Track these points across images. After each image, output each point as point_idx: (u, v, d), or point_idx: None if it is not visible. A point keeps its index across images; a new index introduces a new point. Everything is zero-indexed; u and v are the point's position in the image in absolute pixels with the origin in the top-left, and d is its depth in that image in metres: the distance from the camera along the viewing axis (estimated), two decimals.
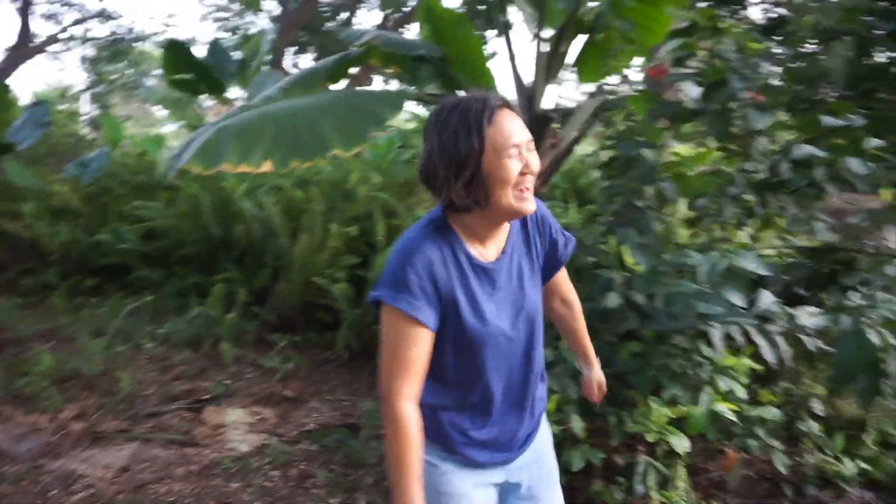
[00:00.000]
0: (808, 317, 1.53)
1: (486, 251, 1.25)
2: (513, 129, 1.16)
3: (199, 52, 8.65)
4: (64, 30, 14.52)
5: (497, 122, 1.15)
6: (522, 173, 1.16)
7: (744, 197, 2.24)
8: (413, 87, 3.80)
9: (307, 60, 17.27)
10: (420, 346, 1.17)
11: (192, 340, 4.10)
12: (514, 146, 1.15)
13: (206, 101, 8.34)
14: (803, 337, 1.68)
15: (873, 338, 1.45)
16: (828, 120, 2.31)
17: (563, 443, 2.06)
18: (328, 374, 3.75)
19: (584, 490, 2.18)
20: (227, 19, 17.68)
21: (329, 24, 15.32)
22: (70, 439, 2.88)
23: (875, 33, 1.97)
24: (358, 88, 2.59)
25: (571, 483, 2.20)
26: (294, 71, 16.69)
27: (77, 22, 14.59)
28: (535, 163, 1.19)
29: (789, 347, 1.60)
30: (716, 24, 2.04)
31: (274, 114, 2.32)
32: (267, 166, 2.19)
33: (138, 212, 5.48)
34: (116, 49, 13.53)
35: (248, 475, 2.65)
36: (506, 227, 1.27)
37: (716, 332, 1.86)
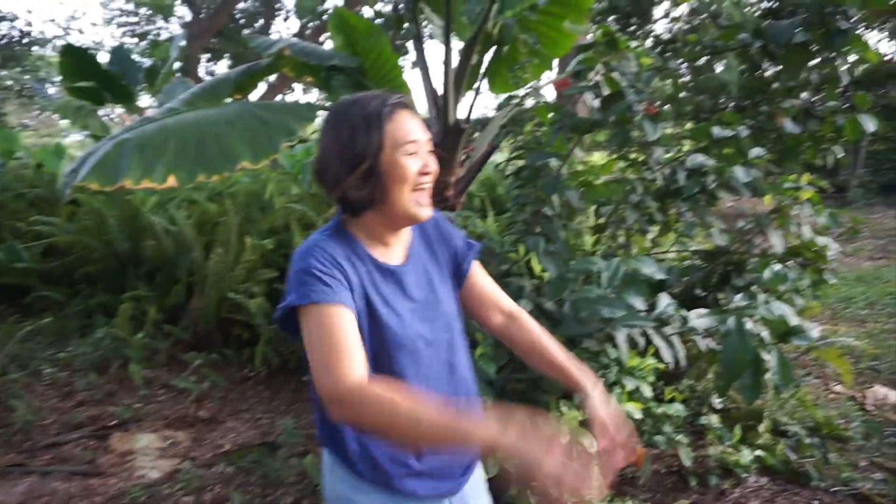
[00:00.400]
0: (698, 318, 1.63)
1: (390, 254, 1.20)
2: (412, 127, 1.14)
3: (105, 58, 8.24)
4: None
5: (396, 120, 1.12)
6: (422, 173, 1.13)
7: (645, 204, 2.35)
8: (328, 98, 3.78)
9: (222, 68, 16.78)
10: (345, 325, 1.04)
11: (97, 363, 3.87)
12: (413, 143, 1.12)
13: (114, 110, 7.96)
14: (696, 337, 1.80)
15: (757, 336, 1.56)
16: (717, 131, 2.48)
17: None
18: (246, 393, 3.64)
19: (501, 496, 2.22)
20: (134, 24, 16.91)
21: (245, 32, 14.95)
22: None
23: (750, 50, 2.13)
24: (267, 101, 2.54)
25: (491, 484, 2.24)
26: (207, 78, 16.16)
27: None
28: (434, 164, 1.16)
29: (684, 348, 1.69)
30: (613, 39, 2.15)
31: (178, 126, 2.24)
32: (172, 181, 2.11)
33: (37, 228, 5.13)
34: (11, 53, 12.63)
35: (159, 503, 2.53)
36: (406, 232, 1.24)
37: (620, 335, 1.94)
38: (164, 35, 16.84)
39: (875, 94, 11.24)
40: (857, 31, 2.13)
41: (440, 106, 3.04)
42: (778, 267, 2.12)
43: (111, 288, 4.86)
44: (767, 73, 3.18)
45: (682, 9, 12.00)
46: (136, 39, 16.49)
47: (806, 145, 2.61)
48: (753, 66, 2.49)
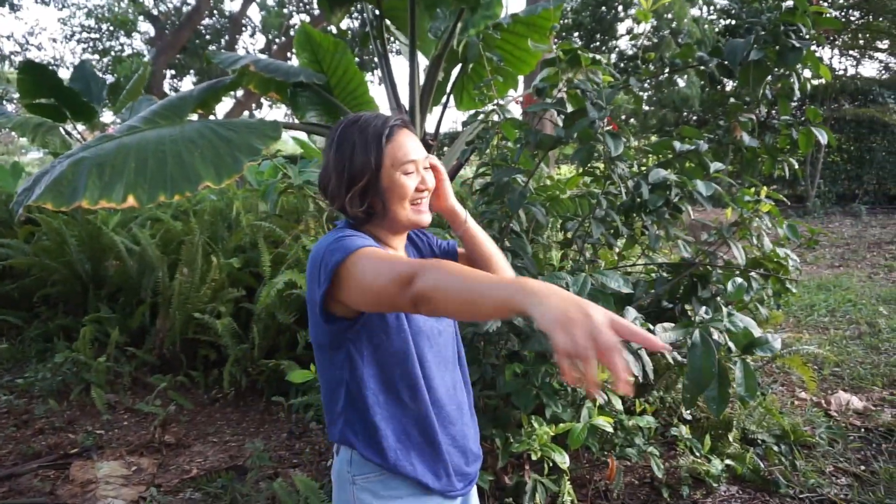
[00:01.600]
0: (663, 332, 1.65)
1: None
2: (410, 146, 1.20)
3: (67, 74, 8.05)
4: None
5: (396, 140, 1.19)
6: (418, 189, 1.21)
7: (610, 218, 2.37)
8: (294, 114, 3.76)
9: (187, 84, 16.60)
10: (384, 251, 1.12)
11: (57, 389, 3.75)
12: (412, 162, 1.19)
13: (76, 127, 7.77)
14: (664, 353, 1.81)
15: (724, 346, 1.58)
16: (679, 145, 2.53)
17: None
18: (213, 415, 3.56)
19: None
20: (96, 40, 16.63)
21: (210, 48, 14.81)
22: None
23: (707, 67, 2.18)
24: (231, 119, 2.51)
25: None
26: (172, 94, 15.96)
27: None
28: (431, 180, 1.25)
29: (651, 360, 1.71)
30: (575, 56, 2.18)
31: (138, 145, 2.19)
32: (131, 201, 2.06)
33: None
34: None
35: None
36: (403, 237, 1.32)
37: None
38: (126, 51, 16.60)
39: (828, 108, 11.66)
40: (812, 48, 2.20)
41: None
42: (739, 280, 2.16)
43: (72, 310, 4.73)
44: (727, 88, 3.27)
45: (644, 26, 12.26)
46: (97, 56, 16.21)
47: (763, 158, 2.67)
48: (713, 81, 2.56)
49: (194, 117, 3.41)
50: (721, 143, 2.68)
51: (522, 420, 2.15)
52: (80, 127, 7.54)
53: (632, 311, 1.83)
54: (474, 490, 1.38)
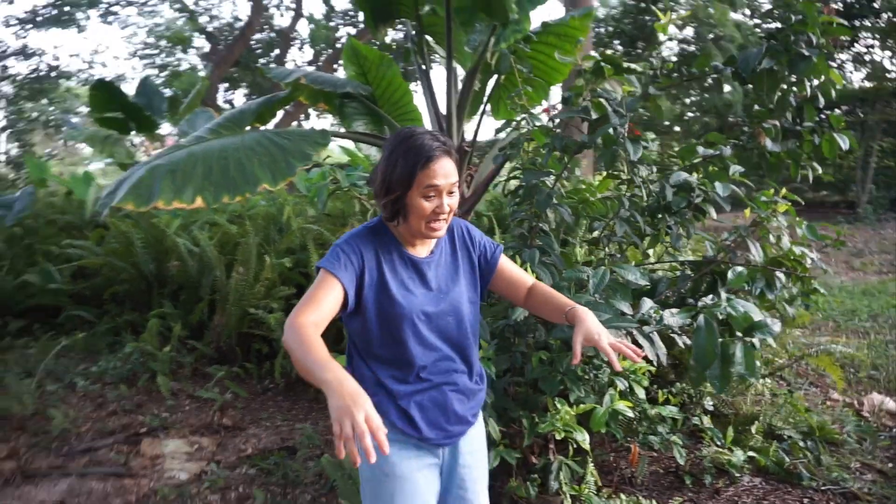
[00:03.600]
0: (671, 317, 1.80)
1: (416, 250, 1.52)
2: (439, 175, 1.41)
3: (128, 88, 8.59)
4: None
5: (429, 168, 1.39)
6: (435, 212, 1.43)
7: (634, 218, 2.53)
8: (341, 124, 4.02)
9: (239, 96, 17.30)
10: (328, 293, 1.36)
11: (127, 377, 4.10)
12: (434, 189, 1.41)
13: (135, 137, 8.31)
14: (674, 335, 1.96)
15: (726, 329, 1.72)
16: (702, 150, 2.67)
17: None
18: (266, 403, 3.84)
19: (502, 488, 2.39)
20: (154, 56, 17.51)
21: (261, 61, 15.43)
22: (0, 479, 2.87)
23: (721, 74, 2.32)
24: (284, 129, 2.79)
25: (492, 475, 2.40)
26: (227, 107, 16.66)
27: None
28: (452, 203, 1.46)
29: (664, 346, 1.86)
30: (599, 67, 2.36)
31: (204, 152, 2.48)
32: (199, 202, 2.33)
33: (67, 251, 5.42)
34: (39, 87, 13.17)
35: (186, 501, 2.72)
36: (426, 240, 1.55)
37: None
38: (183, 66, 17.45)
39: (881, 110, 11.36)
40: (826, 56, 2.31)
41: (444, 130, 3.26)
42: (739, 269, 2.29)
43: (137, 307, 5.12)
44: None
45: (687, 32, 12.25)
46: (155, 71, 17.09)
47: (788, 162, 2.77)
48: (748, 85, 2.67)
49: (249, 129, 3.70)
50: (745, 148, 2.80)
51: (548, 404, 2.31)
52: (137, 139, 8.07)
53: (647, 302, 1.99)
54: (469, 448, 1.61)
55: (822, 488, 2.67)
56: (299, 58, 17.70)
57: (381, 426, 1.09)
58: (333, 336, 4.02)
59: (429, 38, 3.57)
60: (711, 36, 11.53)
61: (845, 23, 2.20)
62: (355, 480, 2.42)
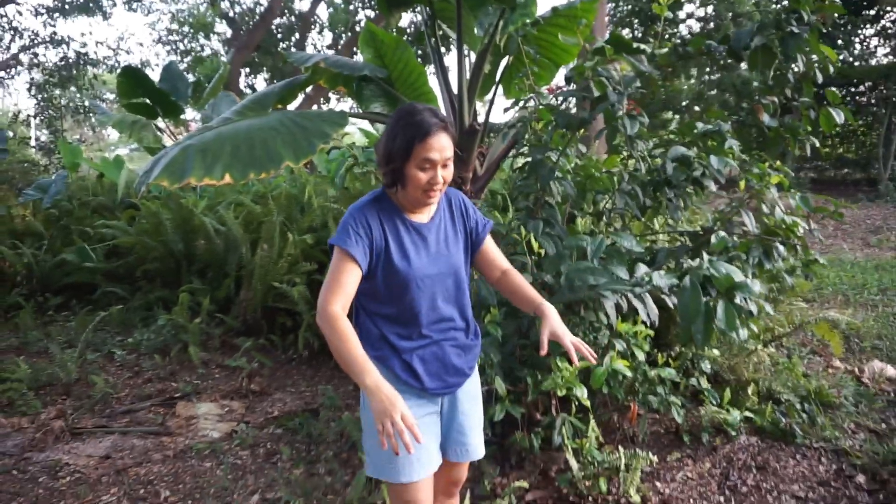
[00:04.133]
0: (660, 278, 1.95)
1: (417, 216, 1.66)
2: (434, 149, 1.54)
3: (153, 75, 8.83)
4: (14, 56, 14.46)
5: (425, 142, 1.51)
6: (430, 182, 1.57)
7: (634, 192, 2.68)
8: (359, 106, 4.19)
9: (260, 81, 17.53)
10: (349, 274, 1.52)
11: (160, 348, 4.36)
12: (430, 162, 1.54)
13: (159, 122, 8.52)
14: (663, 296, 2.11)
15: (710, 288, 1.87)
16: (701, 125, 2.79)
17: (487, 399, 2.45)
18: (290, 372, 4.07)
19: (508, 439, 2.58)
20: (177, 42, 17.78)
21: (282, 46, 15.61)
22: (51, 436, 3.13)
23: (716, 53, 2.43)
24: (305, 110, 2.98)
25: (497, 433, 2.60)
26: (248, 91, 16.88)
27: (24, 48, 14.57)
28: (446, 175, 1.60)
29: (655, 307, 2.01)
30: (601, 48, 2.49)
31: (232, 133, 2.67)
32: (227, 179, 2.53)
33: (101, 231, 5.70)
34: (68, 74, 13.52)
35: (219, 456, 2.95)
36: (424, 207, 1.68)
37: (608, 302, 2.27)
38: (205, 52, 17.72)
39: (876, 89, 11.18)
40: (819, 33, 2.41)
41: (457, 110, 3.42)
42: (723, 234, 2.42)
43: (168, 284, 5.38)
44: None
45: (707, 9, 12.13)
46: (178, 57, 17.37)
47: (786, 137, 2.88)
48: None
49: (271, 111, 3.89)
50: (745, 124, 2.92)
51: (552, 364, 2.49)
52: (161, 123, 8.29)
53: (642, 268, 2.14)
54: (467, 396, 1.77)
55: (815, 446, 2.81)
56: (319, 42, 17.83)
57: (415, 423, 1.34)
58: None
59: (441, 22, 3.71)
60: (730, 15, 11.43)
61: (838, 0, 2.29)
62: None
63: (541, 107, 2.63)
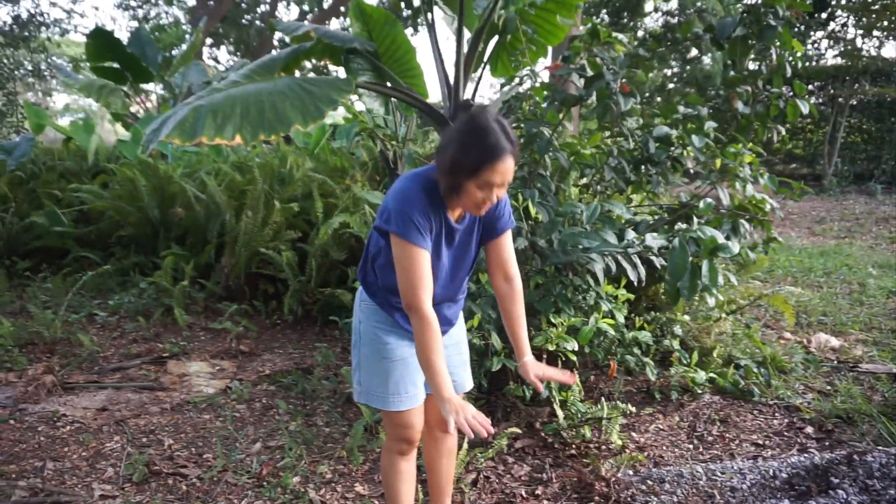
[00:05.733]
0: (652, 239, 2.16)
1: (455, 215, 1.71)
2: (500, 172, 1.53)
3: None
4: None
5: (493, 166, 1.52)
6: (483, 200, 1.58)
7: (621, 167, 2.89)
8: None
9: (223, 52, 17.15)
10: (427, 265, 1.60)
11: (142, 311, 4.39)
12: (488, 185, 1.55)
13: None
14: (652, 257, 2.33)
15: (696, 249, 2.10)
16: (683, 109, 3.02)
17: (485, 353, 2.64)
18: (276, 335, 4.17)
19: (501, 388, 2.78)
20: (136, 8, 17.22)
21: (247, 18, 15.31)
22: (43, 389, 3.17)
23: (700, 40, 2.66)
24: (312, 77, 3.07)
25: (491, 382, 2.80)
26: (211, 62, 16.42)
27: None
28: (500, 194, 1.62)
29: (644, 269, 2.22)
30: (596, 30, 2.67)
31: (241, 95, 2.74)
32: (238, 139, 2.61)
33: (72, 195, 5.62)
34: (20, 34, 12.95)
35: (217, 409, 3.06)
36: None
37: (597, 264, 2.48)
38: (165, 19, 17.20)
39: (850, 88, 11.85)
40: (790, 27, 2.66)
41: (451, 87, 3.55)
42: (709, 200, 2.67)
43: (143, 250, 5.37)
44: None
45: (672, 4, 12.55)
46: (135, 23, 16.82)
47: (756, 124, 3.14)
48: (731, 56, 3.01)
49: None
50: (720, 110, 3.17)
51: (542, 322, 2.69)
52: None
53: (630, 233, 2.35)
54: (453, 340, 1.91)
55: (770, 403, 3.11)
56: (286, 16, 17.53)
57: (485, 420, 1.49)
58: (338, 276, 4.36)
59: None
60: (691, 10, 11.83)
61: None
62: None
63: (536, 84, 2.80)
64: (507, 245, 1.83)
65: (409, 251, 1.59)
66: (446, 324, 1.86)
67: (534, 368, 1.78)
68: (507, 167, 1.54)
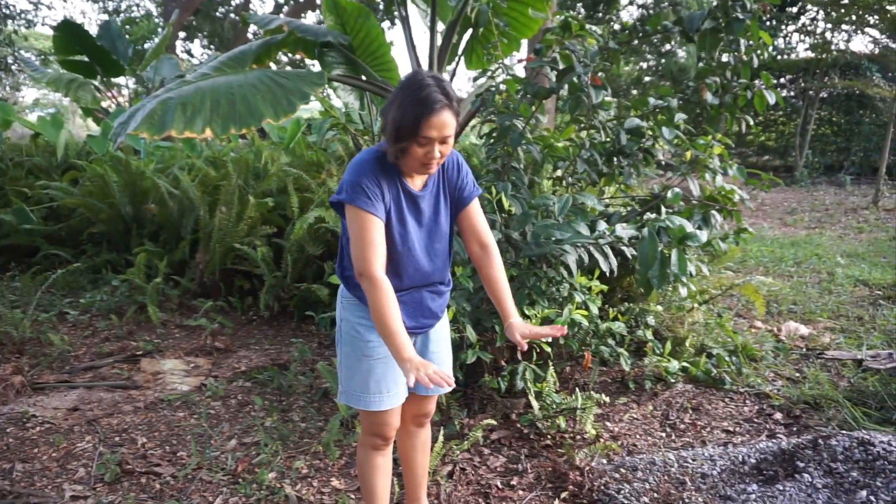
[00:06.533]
0: (623, 230, 2.18)
1: (413, 182, 1.69)
2: (437, 126, 1.56)
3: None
4: None
5: (430, 121, 1.51)
6: (428, 156, 1.60)
7: (593, 159, 2.91)
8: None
9: (197, 46, 16.89)
10: (377, 231, 1.58)
11: (115, 309, 4.32)
12: (430, 140, 1.57)
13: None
14: (624, 248, 2.35)
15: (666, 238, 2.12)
16: (653, 100, 3.05)
17: (459, 346, 2.65)
18: (252, 331, 4.13)
19: (477, 381, 2.79)
20: (105, 0, 16.87)
21: (221, 10, 15.08)
22: (12, 390, 3.10)
23: (670, 32, 2.68)
24: (284, 70, 3.04)
25: (467, 374, 2.81)
26: (185, 56, 16.17)
27: None
28: (444, 150, 1.62)
29: (617, 260, 2.24)
30: (568, 24, 2.69)
31: (211, 88, 2.71)
32: (208, 133, 2.58)
33: (40, 192, 5.50)
34: None
35: (192, 406, 3.03)
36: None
37: (570, 256, 2.50)
38: (135, 13, 16.86)
39: (819, 81, 12.06)
40: (758, 20, 2.70)
41: None
42: (677, 190, 2.70)
43: (115, 247, 5.28)
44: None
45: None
46: (105, 16, 16.48)
47: (725, 115, 3.18)
48: (700, 49, 3.05)
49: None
50: (689, 101, 3.20)
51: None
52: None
53: (602, 224, 2.38)
54: (437, 337, 1.89)
55: (741, 391, 3.17)
56: (260, 9, 17.30)
57: (448, 375, 1.47)
58: (314, 272, 4.33)
59: None
60: (666, 3, 11.95)
61: None
62: None
63: (507, 77, 2.81)
64: (476, 214, 1.84)
65: (357, 216, 1.58)
66: (431, 317, 1.83)
67: (520, 329, 1.71)
68: (444, 121, 1.54)
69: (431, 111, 1.53)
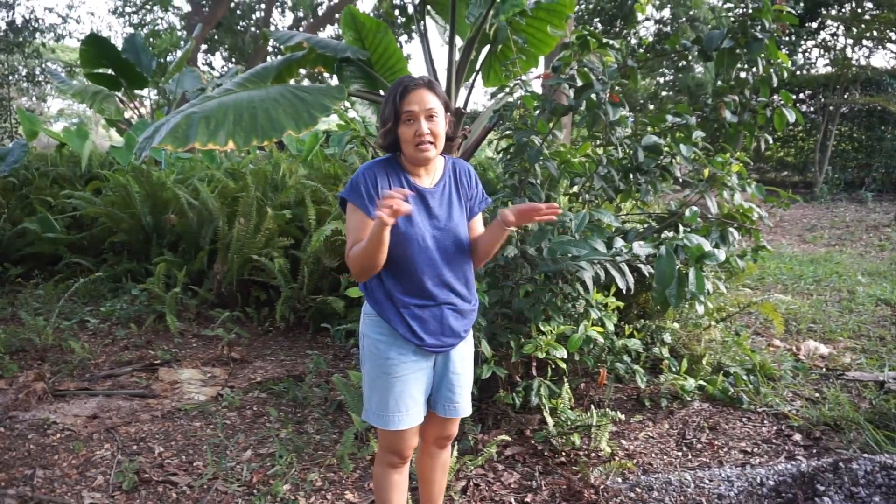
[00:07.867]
0: (640, 248, 2.18)
1: (423, 179, 1.76)
2: (415, 101, 1.67)
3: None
4: None
5: (407, 97, 1.65)
6: (417, 135, 1.65)
7: (610, 175, 2.91)
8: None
9: (218, 59, 17.17)
10: (365, 225, 1.67)
11: (134, 317, 4.38)
12: (412, 115, 1.66)
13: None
14: (640, 265, 2.35)
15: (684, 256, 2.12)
16: (671, 118, 3.05)
17: (475, 360, 2.65)
18: (268, 342, 4.17)
19: (491, 396, 2.79)
20: (132, 14, 17.23)
21: (241, 24, 15.34)
22: (34, 397, 3.16)
23: (689, 51, 2.69)
24: (305, 84, 3.10)
25: (482, 389, 2.81)
26: (206, 69, 16.45)
27: None
28: (433, 127, 1.68)
29: (634, 277, 2.24)
30: (585, 41, 2.70)
31: (234, 102, 2.76)
32: (231, 145, 2.63)
33: (64, 201, 5.61)
34: (14, 39, 12.95)
35: (208, 416, 3.06)
36: (436, 166, 1.81)
37: (586, 273, 2.49)
38: (159, 26, 17.20)
39: (840, 97, 11.97)
40: (776, 40, 2.69)
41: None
42: (695, 208, 2.69)
43: (136, 257, 5.37)
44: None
45: (664, 12, 12.64)
46: (131, 29, 16.83)
47: (744, 133, 3.17)
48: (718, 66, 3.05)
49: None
50: (707, 119, 3.20)
51: (532, 329, 2.71)
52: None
53: (619, 241, 2.38)
54: (460, 357, 1.87)
55: (759, 410, 3.13)
56: (280, 23, 17.57)
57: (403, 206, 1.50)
58: (330, 284, 4.36)
59: (430, 7, 3.86)
60: (684, 19, 11.95)
61: (794, 11, 2.57)
62: (361, 395, 2.80)
63: (526, 94, 2.83)
64: (478, 220, 1.91)
65: (352, 212, 1.70)
66: (453, 336, 1.80)
67: (508, 210, 1.74)
68: (422, 97, 1.65)
69: (406, 88, 1.66)
